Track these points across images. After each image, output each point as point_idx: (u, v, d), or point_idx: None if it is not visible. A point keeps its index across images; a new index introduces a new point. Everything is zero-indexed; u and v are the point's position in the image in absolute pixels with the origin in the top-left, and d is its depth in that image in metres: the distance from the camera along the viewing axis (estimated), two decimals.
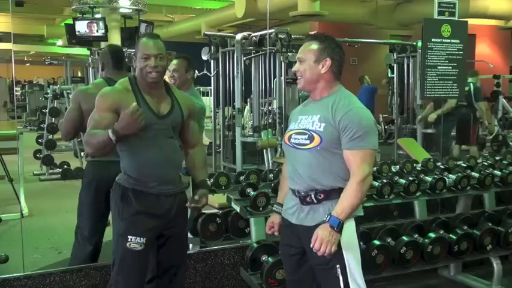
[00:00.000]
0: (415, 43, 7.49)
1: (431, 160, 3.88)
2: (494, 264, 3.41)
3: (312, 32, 6.57)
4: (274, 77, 6.93)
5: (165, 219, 2.36)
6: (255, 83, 6.97)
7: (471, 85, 6.96)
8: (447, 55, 4.28)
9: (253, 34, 6.51)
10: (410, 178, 3.39)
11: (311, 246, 2.01)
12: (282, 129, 6.32)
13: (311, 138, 2.08)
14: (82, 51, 10.71)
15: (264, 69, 6.99)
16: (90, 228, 3.08)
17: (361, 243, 2.24)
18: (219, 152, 7.23)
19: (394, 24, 11.20)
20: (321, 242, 1.98)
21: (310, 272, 2.19)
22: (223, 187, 3.42)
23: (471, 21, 5.40)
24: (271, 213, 2.49)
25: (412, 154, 4.84)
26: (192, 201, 2.46)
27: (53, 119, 7.32)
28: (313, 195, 2.09)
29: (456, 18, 4.29)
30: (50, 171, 7.33)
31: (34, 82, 17.95)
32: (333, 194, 2.07)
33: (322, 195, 2.08)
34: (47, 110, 7.45)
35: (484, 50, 12.43)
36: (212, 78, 6.81)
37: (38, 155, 7.61)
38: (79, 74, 13.21)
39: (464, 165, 3.80)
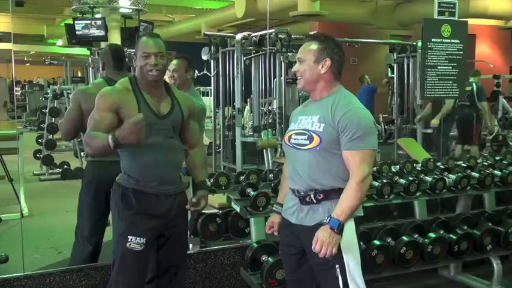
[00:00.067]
0: (415, 43, 7.49)
1: (431, 160, 3.88)
2: (494, 264, 3.41)
3: (312, 32, 6.59)
4: (274, 77, 6.93)
5: (165, 220, 2.36)
6: (255, 83, 6.98)
7: (474, 85, 6.94)
8: (447, 55, 4.28)
9: (253, 34, 6.52)
10: (410, 178, 3.39)
11: (312, 248, 2.02)
12: (282, 129, 6.32)
13: (310, 139, 2.08)
14: (82, 51, 10.72)
15: (264, 69, 6.99)
16: (90, 228, 3.07)
17: (361, 243, 2.24)
18: (219, 152, 7.23)
19: (394, 24, 11.20)
20: (321, 244, 1.98)
21: (310, 271, 2.19)
22: (223, 187, 3.42)
23: (471, 21, 5.40)
24: (271, 213, 2.49)
25: (412, 154, 4.85)
26: (190, 204, 2.45)
27: (53, 119, 7.32)
28: (312, 195, 2.09)
29: (456, 18, 4.29)
30: (50, 171, 7.33)
31: (34, 82, 17.95)
32: (333, 194, 2.07)
33: (321, 195, 2.08)
34: (47, 110, 7.45)
35: (484, 50, 12.43)
36: (212, 78, 6.81)
37: (38, 155, 7.62)
38: (79, 74, 13.23)
39: (464, 165, 3.80)
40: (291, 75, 6.27)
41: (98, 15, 8.10)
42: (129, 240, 2.27)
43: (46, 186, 7.02)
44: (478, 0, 9.63)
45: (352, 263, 2.07)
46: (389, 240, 3.12)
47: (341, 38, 6.25)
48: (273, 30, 6.18)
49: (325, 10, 8.86)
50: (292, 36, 6.14)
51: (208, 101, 8.42)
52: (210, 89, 8.21)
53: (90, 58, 8.04)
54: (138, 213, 2.29)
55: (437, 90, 4.31)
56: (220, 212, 3.57)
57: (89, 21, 7.65)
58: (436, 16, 4.23)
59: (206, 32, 7.38)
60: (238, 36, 6.45)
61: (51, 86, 8.77)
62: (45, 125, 7.34)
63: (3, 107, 14.34)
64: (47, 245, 4.37)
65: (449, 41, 4.26)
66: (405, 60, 7.83)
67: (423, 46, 4.25)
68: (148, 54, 2.28)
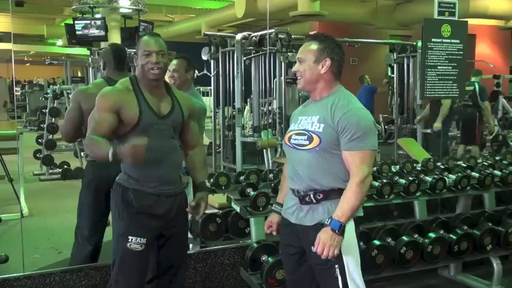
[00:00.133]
0: (415, 43, 7.48)
1: (431, 160, 3.89)
2: (494, 264, 3.41)
3: (312, 32, 6.60)
4: (274, 77, 6.93)
5: (165, 220, 2.36)
6: (255, 83, 6.98)
7: (476, 84, 6.93)
8: (447, 55, 4.28)
9: (253, 34, 6.52)
10: (410, 178, 3.39)
11: (314, 250, 2.02)
12: (282, 129, 6.32)
13: (310, 139, 2.08)
14: (82, 51, 10.71)
15: (264, 69, 6.99)
16: (90, 228, 3.08)
17: (361, 243, 2.24)
18: (219, 152, 7.23)
19: (394, 24, 11.21)
20: (323, 245, 1.99)
21: (309, 271, 2.19)
22: (223, 187, 3.42)
23: (471, 21, 5.39)
24: (270, 213, 2.49)
25: (412, 154, 4.85)
26: (190, 208, 2.44)
27: (53, 119, 7.33)
28: (312, 195, 2.10)
29: (456, 18, 4.29)
30: (50, 171, 7.33)
31: (34, 82, 17.95)
32: (332, 194, 2.07)
33: (321, 195, 2.08)
34: (47, 110, 7.46)
35: (484, 50, 12.44)
36: (212, 78, 6.81)
37: (38, 155, 7.62)
38: (79, 74, 13.22)
39: (464, 165, 3.80)
40: (291, 75, 6.27)
41: (98, 15, 8.11)
42: (130, 240, 2.27)
43: (46, 186, 7.02)
44: (478, 0, 9.63)
45: (352, 263, 2.07)
46: (389, 240, 3.12)
47: (341, 38, 6.25)
48: (273, 30, 6.18)
49: (325, 10, 8.87)
50: (292, 36, 6.13)
51: (208, 101, 8.41)
52: (210, 89, 8.20)
53: (90, 58, 8.03)
54: (138, 213, 2.29)
55: (437, 90, 4.31)
56: (220, 212, 3.58)
57: (88, 21, 7.65)
58: (436, 16, 4.22)
59: (206, 32, 7.38)
60: (238, 36, 6.45)
61: (51, 86, 8.77)
62: (45, 125, 7.34)
63: (3, 107, 14.33)
64: (47, 245, 4.36)
65: (449, 41, 4.25)
66: (405, 60, 7.83)
67: (423, 46, 4.25)
68: (150, 53, 2.28)
